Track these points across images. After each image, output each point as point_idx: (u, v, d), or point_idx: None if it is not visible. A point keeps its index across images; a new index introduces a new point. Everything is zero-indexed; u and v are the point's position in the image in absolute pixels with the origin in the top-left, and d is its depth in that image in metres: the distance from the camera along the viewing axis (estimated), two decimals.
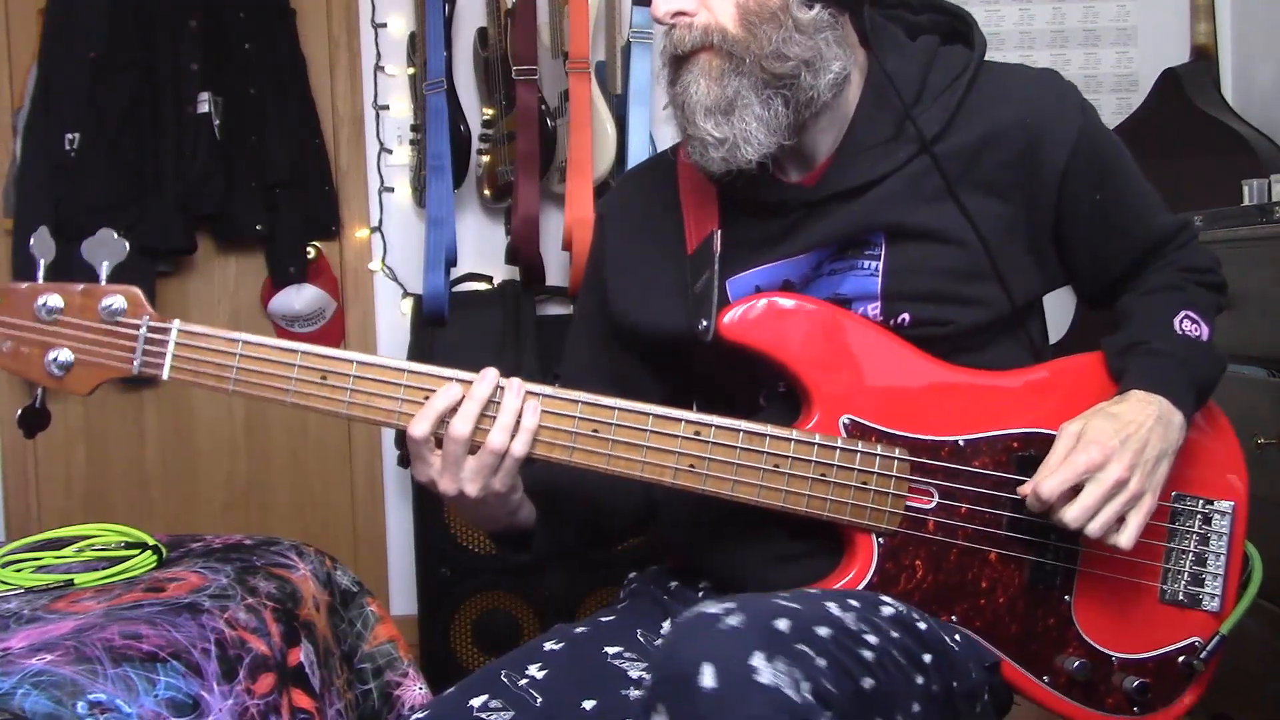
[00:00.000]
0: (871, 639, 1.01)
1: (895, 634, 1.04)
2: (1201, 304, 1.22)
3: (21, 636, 1.17)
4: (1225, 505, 1.20)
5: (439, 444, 1.09)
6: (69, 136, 2.84)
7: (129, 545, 1.51)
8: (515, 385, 1.10)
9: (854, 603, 1.06)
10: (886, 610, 1.07)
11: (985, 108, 1.18)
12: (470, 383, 1.09)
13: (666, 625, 1.24)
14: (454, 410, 1.08)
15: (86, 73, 2.84)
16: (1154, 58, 2.95)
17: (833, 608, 1.03)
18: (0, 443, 3.11)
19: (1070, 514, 1.08)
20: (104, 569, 1.41)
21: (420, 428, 1.08)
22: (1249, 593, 1.21)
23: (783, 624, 0.96)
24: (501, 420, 1.08)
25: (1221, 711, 1.92)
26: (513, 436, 1.09)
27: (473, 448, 1.09)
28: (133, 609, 1.26)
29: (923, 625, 1.08)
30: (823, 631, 0.98)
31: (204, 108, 2.88)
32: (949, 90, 1.18)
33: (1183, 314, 1.20)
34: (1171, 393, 1.14)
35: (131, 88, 2.87)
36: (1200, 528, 1.20)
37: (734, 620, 0.95)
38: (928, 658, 1.06)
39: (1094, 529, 1.08)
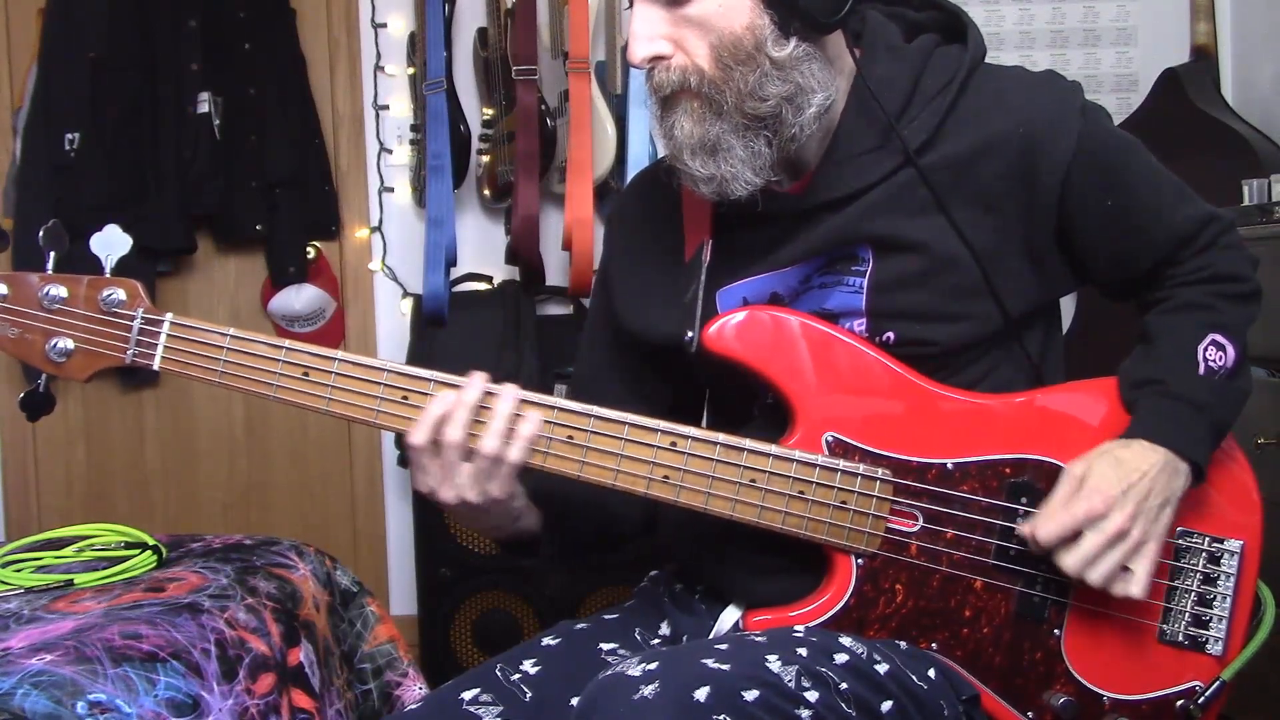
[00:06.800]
0: (812, 695, 0.97)
1: (845, 684, 1.00)
2: (1232, 323, 1.17)
3: (21, 636, 1.17)
4: (1234, 544, 1.15)
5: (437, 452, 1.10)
6: (69, 136, 2.84)
7: (129, 545, 1.51)
8: (509, 392, 1.10)
9: (802, 651, 1.02)
10: (841, 657, 1.03)
11: (978, 116, 1.13)
12: (458, 387, 1.10)
13: (664, 627, 1.25)
14: (448, 417, 1.08)
15: (86, 73, 2.85)
16: (1154, 58, 2.96)
17: (772, 662, 0.99)
18: (0, 443, 3.12)
19: (1069, 562, 1.07)
20: (104, 569, 1.41)
21: (419, 435, 1.09)
22: (1258, 637, 1.16)
23: (703, 693, 0.93)
24: (495, 426, 1.08)
25: (1222, 712, 1.92)
26: (506, 442, 1.09)
27: (468, 454, 1.09)
28: (133, 609, 1.26)
29: (884, 668, 1.05)
30: (750, 695, 0.94)
31: (204, 108, 2.88)
32: (939, 97, 1.13)
33: (1209, 339, 1.15)
34: (1180, 443, 1.10)
35: (131, 88, 2.87)
36: (1206, 567, 1.15)
37: (650, 690, 0.93)
38: (886, 706, 1.02)
39: (1094, 578, 1.06)
